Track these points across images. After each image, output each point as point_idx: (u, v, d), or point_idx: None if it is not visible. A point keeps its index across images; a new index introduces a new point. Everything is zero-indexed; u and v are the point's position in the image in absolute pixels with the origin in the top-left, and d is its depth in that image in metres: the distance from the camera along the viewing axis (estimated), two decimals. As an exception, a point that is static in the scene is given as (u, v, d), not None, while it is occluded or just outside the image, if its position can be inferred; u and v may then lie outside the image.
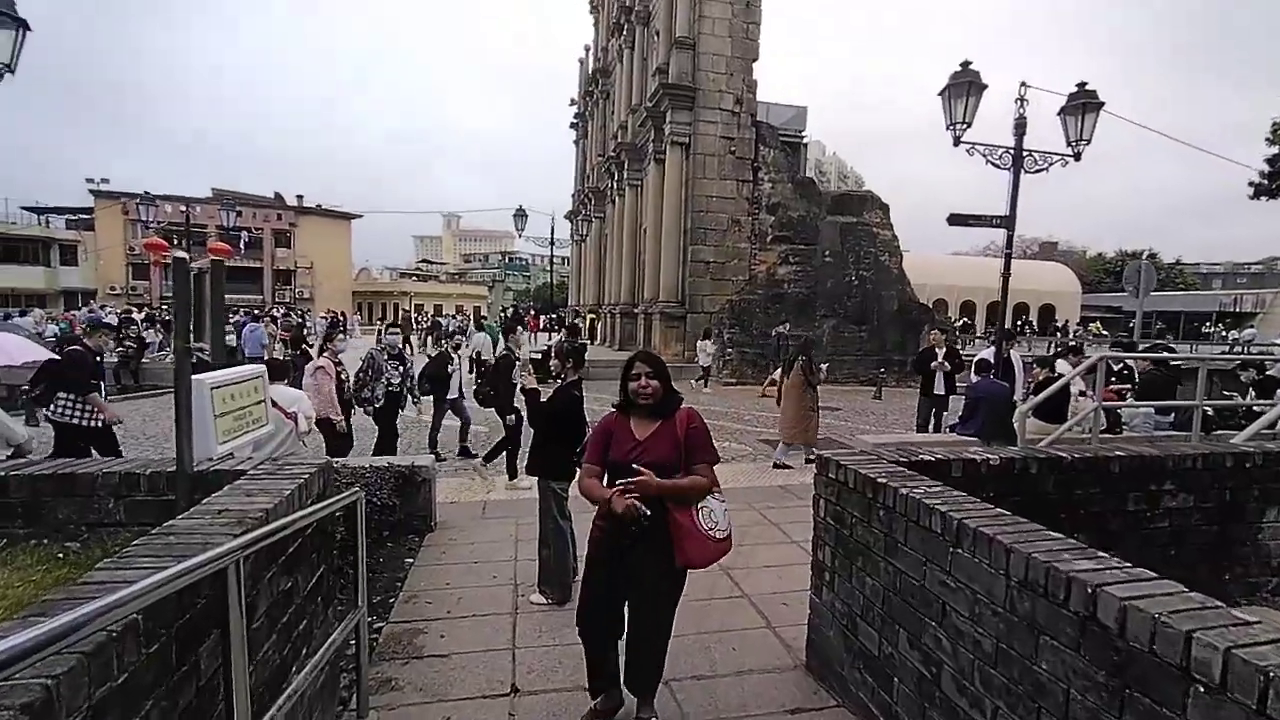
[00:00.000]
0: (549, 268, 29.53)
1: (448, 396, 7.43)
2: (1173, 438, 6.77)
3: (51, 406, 5.28)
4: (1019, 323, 33.10)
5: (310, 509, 1.96)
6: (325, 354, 6.42)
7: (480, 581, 4.13)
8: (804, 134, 20.92)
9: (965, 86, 6.50)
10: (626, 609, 2.54)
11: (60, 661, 1.03)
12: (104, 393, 5.64)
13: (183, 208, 25.08)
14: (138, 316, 22.08)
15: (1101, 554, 1.79)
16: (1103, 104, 6.77)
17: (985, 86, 6.58)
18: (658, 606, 2.48)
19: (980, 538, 1.99)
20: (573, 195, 37.77)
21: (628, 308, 21.67)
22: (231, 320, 18.53)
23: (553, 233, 19.08)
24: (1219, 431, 6.85)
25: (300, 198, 47.68)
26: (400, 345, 7.35)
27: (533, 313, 28.99)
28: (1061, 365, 6.71)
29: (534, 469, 3.94)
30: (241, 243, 43.74)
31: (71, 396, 5.27)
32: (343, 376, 6.26)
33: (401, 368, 6.77)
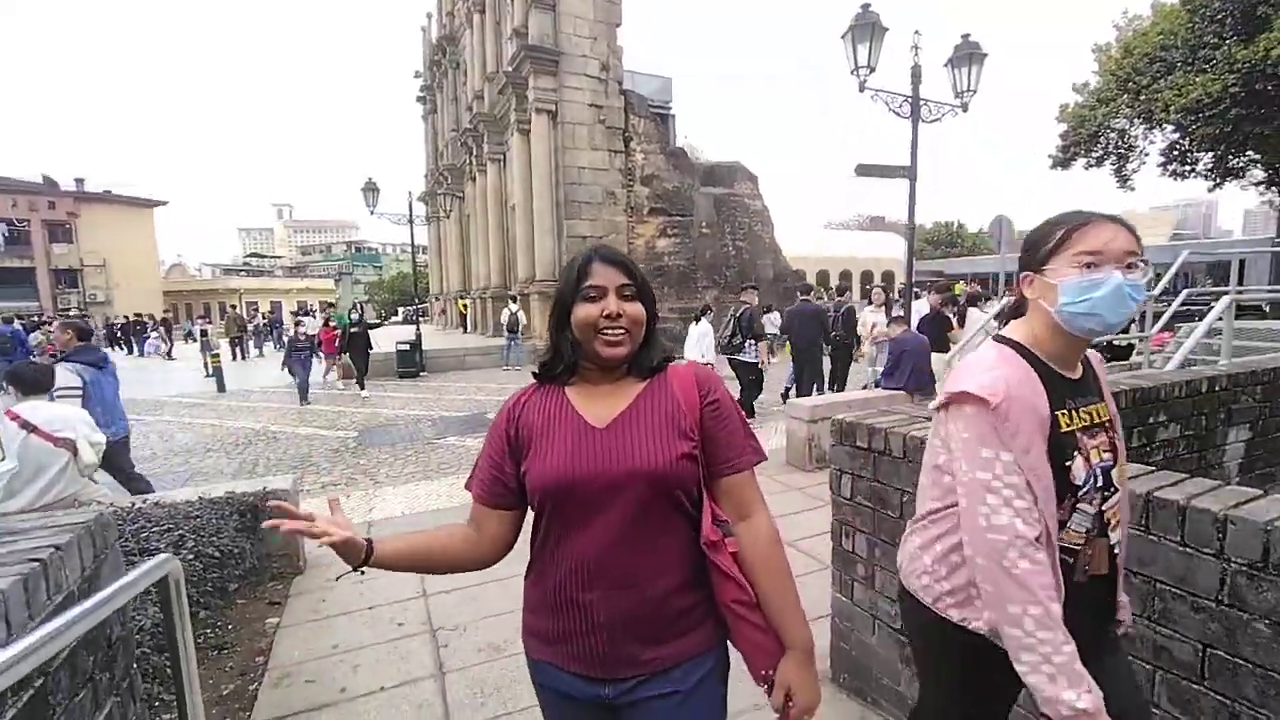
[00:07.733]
0: (406, 254, 26.86)
1: None
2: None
3: None
4: (870, 287, 36.08)
5: (31, 642, 0.91)
6: None
7: (382, 634, 3.08)
8: (670, 105, 20.55)
9: (869, 29, 6.23)
10: None
11: None
12: None
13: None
14: None
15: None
16: (986, 54, 6.89)
17: (887, 30, 6.38)
18: None
19: (1160, 506, 1.45)
20: (426, 175, 34.77)
21: (500, 290, 20.23)
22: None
23: (411, 210, 17.07)
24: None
25: (80, 181, 39.55)
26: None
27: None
28: (973, 313, 6.84)
29: None
30: (-1, 237, 35.73)
31: None
32: None
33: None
